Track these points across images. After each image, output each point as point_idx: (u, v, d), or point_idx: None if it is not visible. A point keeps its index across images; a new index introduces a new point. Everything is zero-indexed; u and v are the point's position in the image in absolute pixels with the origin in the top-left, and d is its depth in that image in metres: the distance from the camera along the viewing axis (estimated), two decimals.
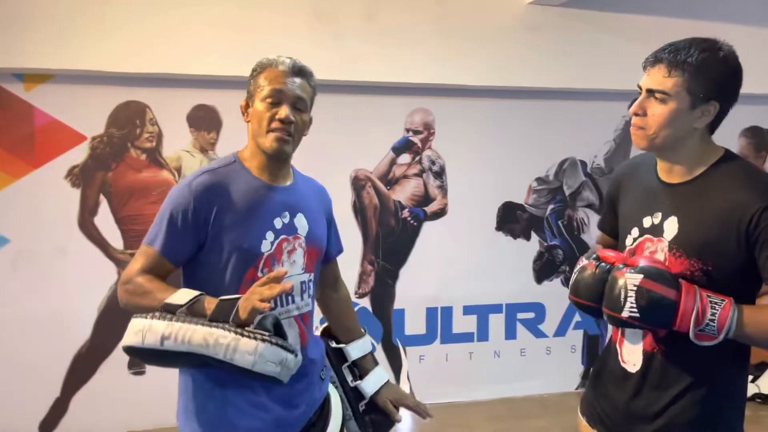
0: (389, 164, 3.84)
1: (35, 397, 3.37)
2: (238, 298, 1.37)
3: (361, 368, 1.75)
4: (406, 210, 3.88)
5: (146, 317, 1.37)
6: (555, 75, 3.84)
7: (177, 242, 1.48)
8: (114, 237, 3.38)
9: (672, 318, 1.31)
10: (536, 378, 4.08)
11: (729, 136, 4.33)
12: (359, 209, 3.80)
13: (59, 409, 3.41)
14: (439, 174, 3.91)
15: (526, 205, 4.06)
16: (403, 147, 3.85)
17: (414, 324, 3.92)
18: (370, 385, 1.72)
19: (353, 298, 3.78)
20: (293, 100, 1.54)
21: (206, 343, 1.32)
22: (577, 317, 4.14)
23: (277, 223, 1.54)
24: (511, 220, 4.05)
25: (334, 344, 1.74)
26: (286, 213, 1.57)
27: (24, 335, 3.32)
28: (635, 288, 1.32)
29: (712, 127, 1.45)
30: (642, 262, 1.36)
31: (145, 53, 3.26)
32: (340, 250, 1.81)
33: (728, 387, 1.45)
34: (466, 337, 4.01)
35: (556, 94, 3.98)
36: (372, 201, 3.82)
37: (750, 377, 4.13)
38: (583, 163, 4.11)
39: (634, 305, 1.32)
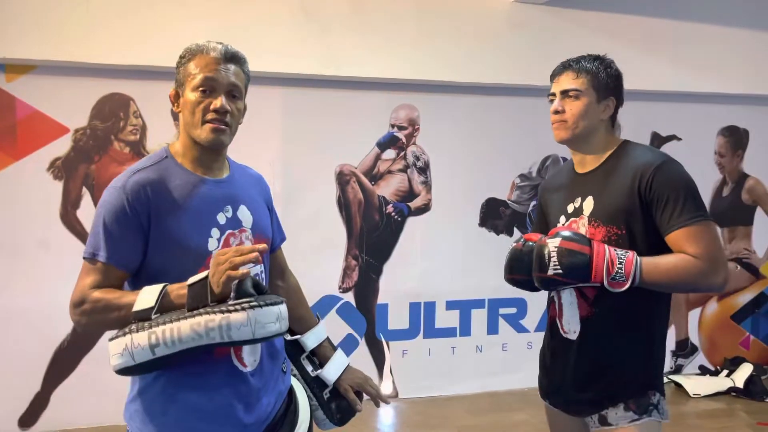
0: (374, 159, 3.86)
1: (15, 391, 3.33)
2: (206, 276, 1.30)
3: (319, 356, 1.70)
4: (391, 205, 3.90)
5: (124, 334, 1.30)
6: (538, 72, 3.81)
7: (120, 247, 1.39)
8: None
9: (589, 270, 1.55)
10: (518, 372, 4.11)
11: (707, 135, 4.44)
12: (344, 204, 3.82)
13: (39, 403, 3.37)
14: (424, 170, 3.94)
15: (509, 201, 4.11)
16: (387, 142, 3.87)
17: (397, 319, 3.95)
18: (331, 372, 1.68)
19: (337, 293, 3.82)
20: (228, 87, 1.44)
21: (197, 333, 1.26)
22: None
23: (221, 218, 1.47)
24: (494, 216, 4.09)
25: (288, 336, 1.68)
26: (228, 207, 1.50)
27: (4, 329, 3.29)
28: (556, 248, 1.58)
29: (612, 121, 1.75)
30: (560, 232, 1.62)
31: (130, 45, 3.25)
32: (283, 238, 1.74)
33: (655, 336, 1.67)
34: (448, 332, 4.04)
35: (540, 92, 3.97)
36: (356, 196, 3.83)
37: (725, 372, 4.23)
38: (565, 160, 4.16)
39: (557, 263, 1.57)
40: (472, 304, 4.07)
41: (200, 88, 1.42)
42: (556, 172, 1.98)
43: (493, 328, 4.11)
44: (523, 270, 1.69)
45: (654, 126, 4.29)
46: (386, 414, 3.73)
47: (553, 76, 1.75)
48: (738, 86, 4.25)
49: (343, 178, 3.81)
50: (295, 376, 1.68)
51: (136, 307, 1.31)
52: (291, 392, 1.63)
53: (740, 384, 4.02)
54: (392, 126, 3.88)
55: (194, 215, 1.43)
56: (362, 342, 3.88)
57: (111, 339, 1.32)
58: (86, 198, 3.38)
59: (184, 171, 1.46)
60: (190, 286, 1.31)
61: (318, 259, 3.76)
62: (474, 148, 4.01)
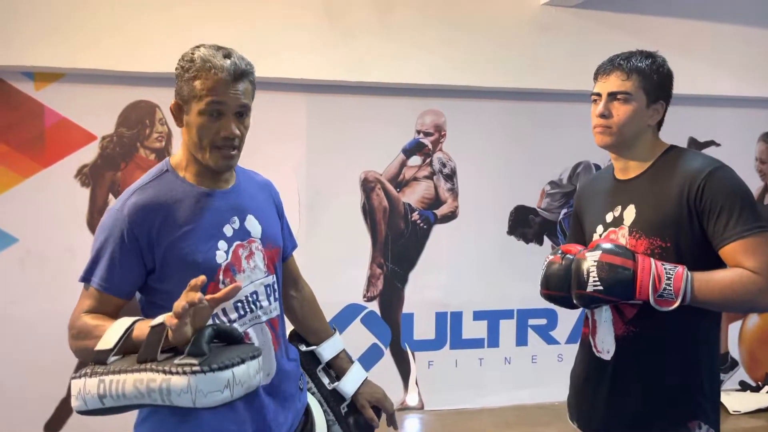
0: (399, 166, 3.82)
1: (41, 397, 3.38)
2: (163, 323, 1.21)
3: (336, 368, 1.65)
4: (416, 213, 3.85)
5: (80, 376, 1.24)
6: (569, 77, 3.80)
7: (118, 274, 1.35)
8: None
9: (632, 286, 1.42)
10: (548, 385, 4.03)
11: (747, 140, 4.31)
12: (368, 211, 3.78)
13: (65, 409, 3.40)
14: (450, 176, 3.88)
15: (538, 209, 4.02)
16: (413, 149, 3.82)
17: (423, 329, 3.90)
18: (348, 385, 1.63)
19: (361, 301, 3.79)
20: (236, 109, 1.38)
21: (139, 392, 1.16)
22: None
23: (227, 230, 1.43)
24: (524, 224, 4.01)
25: (304, 347, 1.64)
26: (235, 218, 1.45)
27: (31, 335, 3.33)
28: (596, 263, 1.45)
29: (660, 125, 1.66)
30: (600, 244, 1.51)
31: (155, 52, 3.26)
32: (294, 246, 1.70)
33: (701, 360, 1.52)
34: (476, 343, 3.98)
35: (570, 97, 3.94)
36: (381, 203, 3.80)
37: (767, 387, 4.05)
38: (598, 167, 4.07)
39: (597, 279, 1.45)
40: (500, 315, 4.00)
41: (208, 113, 1.36)
42: (594, 177, 1.85)
43: (522, 340, 4.03)
44: (560, 286, 1.58)
45: (691, 131, 4.17)
46: (412, 426, 3.69)
47: (599, 73, 1.63)
48: None
49: (367, 185, 3.78)
50: (310, 390, 1.63)
51: (99, 347, 1.25)
52: (307, 410, 1.58)
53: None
54: (418, 132, 3.83)
55: (199, 230, 1.39)
56: (387, 352, 3.84)
57: (72, 377, 1.26)
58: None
59: (186, 185, 1.42)
60: (150, 329, 1.22)
61: (342, 267, 3.74)
62: (502, 155, 3.94)
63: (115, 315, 1.37)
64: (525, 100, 3.91)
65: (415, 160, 3.84)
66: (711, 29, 3.98)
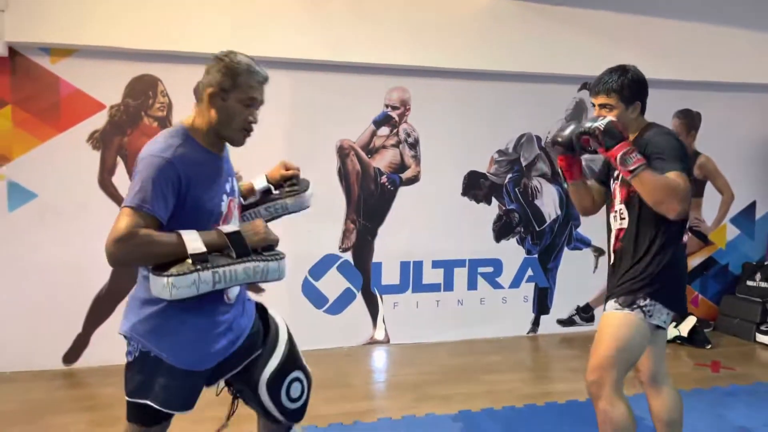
0: (370, 136, 4.33)
1: (60, 333, 3.81)
2: (238, 231, 1.71)
3: (247, 190, 2.14)
4: (385, 176, 4.37)
5: (191, 272, 1.60)
6: (515, 60, 4.33)
7: (165, 204, 1.66)
8: None
9: (618, 140, 2.07)
10: (493, 323, 4.63)
11: (664, 117, 4.89)
12: (343, 175, 4.29)
13: (81, 343, 3.86)
14: (414, 145, 4.42)
15: (488, 174, 4.59)
16: (382, 121, 4.33)
17: (389, 275, 4.42)
18: (260, 182, 2.11)
19: (337, 252, 4.30)
20: (260, 105, 1.84)
21: (247, 275, 1.68)
22: (530, 272, 4.74)
23: (227, 187, 1.84)
24: (475, 186, 4.57)
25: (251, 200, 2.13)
26: (230, 178, 1.87)
27: (50, 279, 3.74)
28: (610, 120, 2.11)
29: (642, 111, 2.27)
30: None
31: (158, 32, 3.66)
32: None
33: (655, 259, 2.21)
34: (433, 288, 4.53)
35: (516, 77, 4.48)
36: (355, 168, 4.31)
37: (674, 323, 4.77)
38: (538, 138, 4.66)
39: (603, 126, 2.08)
40: (454, 264, 4.55)
41: (246, 103, 1.78)
42: None
43: (472, 285, 4.60)
44: (566, 142, 2.23)
45: None
46: (379, 356, 4.27)
47: (591, 92, 2.29)
48: (692, 74, 4.71)
49: (343, 152, 4.29)
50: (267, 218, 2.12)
51: (192, 251, 1.63)
52: (267, 318, 2.07)
53: (685, 333, 4.57)
54: (386, 106, 4.33)
55: (213, 184, 1.78)
56: (359, 295, 4.36)
57: (170, 275, 1.59)
58: (120, 166, 3.84)
59: (202, 149, 1.78)
60: (229, 236, 1.69)
61: (321, 223, 4.20)
62: (458, 127, 4.45)
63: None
64: (478, 80, 4.43)
65: (384, 130, 4.34)
66: (634, 21, 4.53)
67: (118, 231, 1.60)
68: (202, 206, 1.74)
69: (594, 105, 2.29)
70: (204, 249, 1.65)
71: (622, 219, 2.30)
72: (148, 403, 1.75)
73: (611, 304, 2.25)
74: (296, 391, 1.98)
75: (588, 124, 2.14)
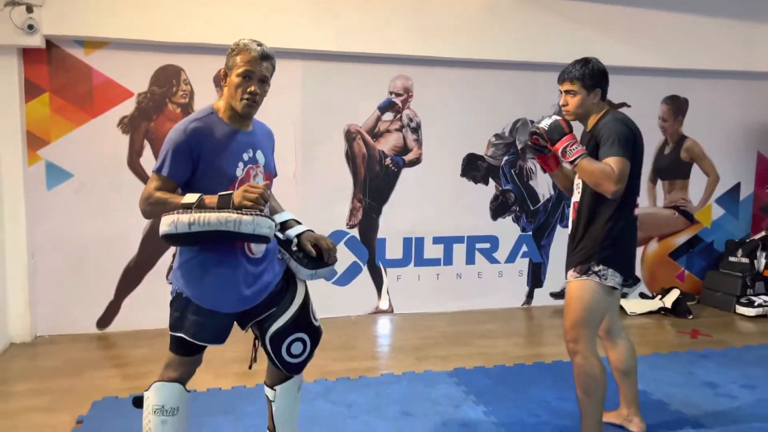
0: (375, 121, 4.63)
1: (94, 300, 4.18)
2: (231, 193, 1.93)
3: (287, 227, 2.32)
4: (389, 158, 4.67)
5: (173, 214, 1.90)
6: (512, 50, 4.60)
7: (178, 168, 1.96)
8: None
9: (561, 136, 2.41)
10: (490, 295, 4.94)
11: (652, 103, 5.17)
12: (351, 157, 4.60)
13: (113, 309, 4.23)
14: (416, 129, 4.72)
15: (485, 156, 4.87)
16: (387, 107, 4.62)
17: (393, 250, 4.73)
18: (291, 232, 2.26)
19: (345, 228, 4.63)
20: (260, 77, 2.02)
21: (220, 222, 1.89)
22: (524, 248, 5.05)
23: (245, 156, 2.07)
24: (473, 168, 4.85)
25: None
26: (250, 150, 2.09)
27: (85, 250, 4.10)
28: (555, 119, 2.46)
29: (603, 98, 2.55)
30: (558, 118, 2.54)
31: (181, 26, 3.98)
32: (276, 174, 2.29)
33: (604, 230, 2.48)
34: (434, 262, 4.83)
35: (513, 66, 4.75)
36: (361, 150, 4.63)
37: (659, 295, 5.09)
38: (533, 123, 4.90)
39: (548, 124, 2.45)
40: (453, 240, 4.84)
41: (242, 75, 2.01)
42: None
43: (470, 259, 4.90)
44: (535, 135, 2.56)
45: (608, 95, 4.99)
46: (384, 324, 4.61)
47: (559, 80, 2.56)
48: (679, 62, 4.97)
49: (350, 136, 4.59)
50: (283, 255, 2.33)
51: (183, 201, 1.93)
52: (291, 279, 2.29)
53: (669, 305, 4.88)
54: (390, 93, 4.61)
55: (228, 152, 2.03)
56: (365, 268, 4.69)
57: (164, 215, 1.93)
58: (147, 149, 4.18)
59: (223, 124, 2.04)
60: (220, 195, 1.95)
61: (329, 202, 4.52)
62: (457, 112, 4.73)
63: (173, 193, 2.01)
64: (477, 68, 4.69)
65: (388, 115, 4.63)
66: (625, 12, 4.77)
67: (142, 193, 2.00)
68: (215, 170, 2.01)
69: (561, 91, 2.57)
70: (191, 202, 1.94)
71: (578, 193, 2.58)
72: (183, 336, 2.08)
73: (571, 273, 2.53)
74: (297, 349, 2.22)
75: (535, 127, 2.48)
